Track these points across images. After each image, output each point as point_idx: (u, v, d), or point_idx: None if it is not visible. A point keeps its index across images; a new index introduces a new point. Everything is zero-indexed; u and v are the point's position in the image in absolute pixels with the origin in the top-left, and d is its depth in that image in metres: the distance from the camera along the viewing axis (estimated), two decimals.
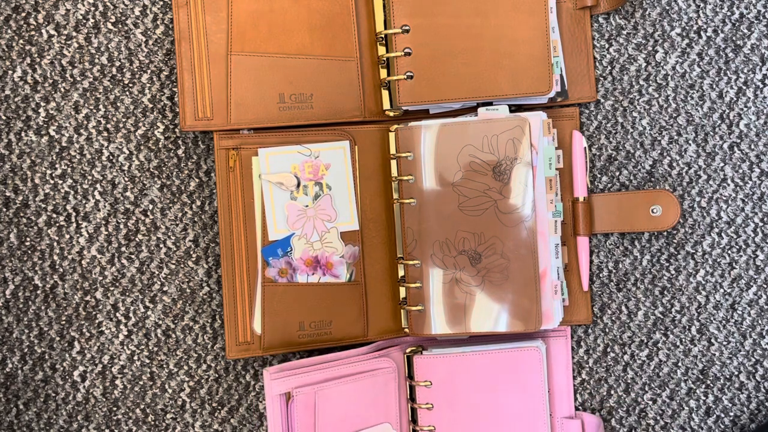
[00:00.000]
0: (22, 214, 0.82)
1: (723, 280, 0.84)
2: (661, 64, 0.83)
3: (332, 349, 0.81)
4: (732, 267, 0.84)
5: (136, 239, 0.82)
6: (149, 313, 0.82)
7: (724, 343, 0.84)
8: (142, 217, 0.82)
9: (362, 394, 0.77)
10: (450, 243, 0.78)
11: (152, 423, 0.83)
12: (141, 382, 0.83)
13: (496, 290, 0.78)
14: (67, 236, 0.82)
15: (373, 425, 0.78)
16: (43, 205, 0.82)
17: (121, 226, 0.82)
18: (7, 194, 0.82)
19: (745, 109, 0.83)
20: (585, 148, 0.82)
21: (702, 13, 0.83)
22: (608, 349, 0.84)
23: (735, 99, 0.83)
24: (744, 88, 0.83)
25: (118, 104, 0.82)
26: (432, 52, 0.78)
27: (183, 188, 0.83)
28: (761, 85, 0.83)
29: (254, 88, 0.79)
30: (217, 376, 0.83)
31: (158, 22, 0.82)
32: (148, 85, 0.82)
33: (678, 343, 0.84)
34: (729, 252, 0.84)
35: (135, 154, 0.82)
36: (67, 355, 0.82)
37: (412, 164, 0.79)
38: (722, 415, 0.84)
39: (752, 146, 0.83)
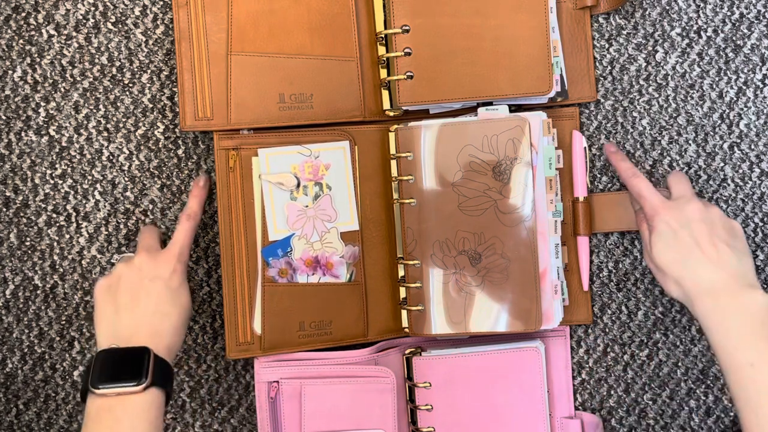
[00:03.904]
0: (22, 214, 0.82)
1: None
2: (661, 64, 0.83)
3: (333, 350, 0.81)
4: None
5: (137, 239, 0.82)
6: None
7: None
8: (142, 217, 0.82)
9: (354, 397, 0.77)
10: (450, 243, 0.78)
11: None
12: None
13: (496, 290, 0.78)
14: (67, 236, 0.82)
15: (366, 429, 0.78)
16: (43, 205, 0.82)
17: (121, 226, 0.82)
18: (7, 194, 0.82)
19: (745, 109, 0.83)
20: (585, 148, 0.82)
21: (702, 13, 0.83)
22: (608, 349, 0.84)
23: (735, 99, 0.83)
24: (744, 88, 0.83)
25: (118, 104, 0.82)
26: (432, 52, 0.78)
27: (183, 188, 0.83)
28: (761, 85, 0.83)
29: (254, 88, 0.79)
30: (217, 376, 0.83)
31: (158, 22, 0.82)
32: (148, 85, 0.82)
33: (678, 343, 0.84)
34: None
35: (135, 154, 0.82)
36: (67, 355, 0.82)
37: (412, 164, 0.78)
38: (722, 415, 0.84)
39: (752, 146, 0.83)
